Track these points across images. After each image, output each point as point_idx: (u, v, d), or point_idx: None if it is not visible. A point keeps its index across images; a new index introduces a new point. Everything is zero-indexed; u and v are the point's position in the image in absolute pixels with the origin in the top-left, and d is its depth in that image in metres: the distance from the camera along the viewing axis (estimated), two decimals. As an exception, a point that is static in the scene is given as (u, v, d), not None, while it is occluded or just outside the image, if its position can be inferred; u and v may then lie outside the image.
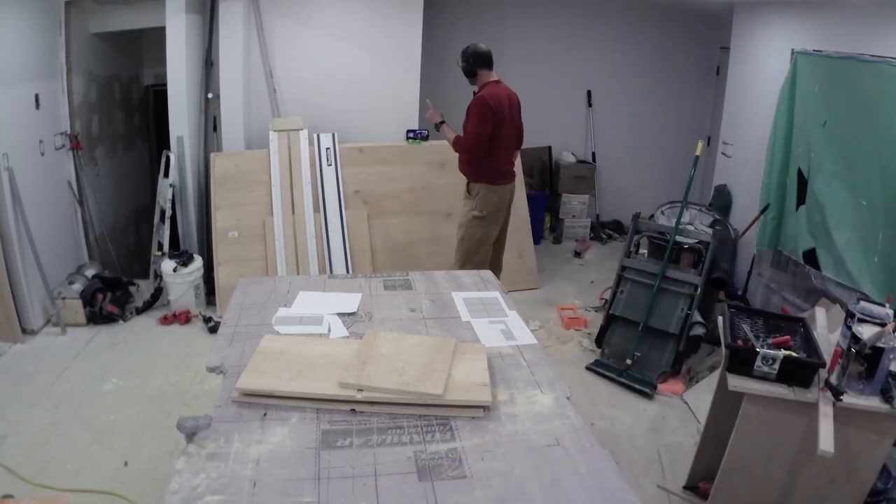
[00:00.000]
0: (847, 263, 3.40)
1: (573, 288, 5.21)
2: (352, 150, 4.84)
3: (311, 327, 2.31)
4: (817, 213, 3.71)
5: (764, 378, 2.21)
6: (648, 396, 3.62)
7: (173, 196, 4.62)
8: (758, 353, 2.20)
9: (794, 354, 2.21)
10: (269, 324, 2.35)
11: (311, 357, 2.01)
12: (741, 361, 2.24)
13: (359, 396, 1.82)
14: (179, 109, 4.54)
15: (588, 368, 3.89)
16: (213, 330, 4.17)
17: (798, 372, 2.19)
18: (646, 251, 4.06)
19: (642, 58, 6.25)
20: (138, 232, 5.78)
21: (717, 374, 2.80)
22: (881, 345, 2.02)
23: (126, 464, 2.91)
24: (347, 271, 4.56)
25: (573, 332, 4.41)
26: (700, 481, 2.80)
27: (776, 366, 2.19)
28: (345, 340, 2.20)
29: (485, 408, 1.82)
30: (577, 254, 5.99)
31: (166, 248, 4.57)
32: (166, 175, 4.61)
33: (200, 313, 4.39)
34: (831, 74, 3.64)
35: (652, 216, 4.68)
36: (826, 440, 1.99)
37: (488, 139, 3.76)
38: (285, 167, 4.64)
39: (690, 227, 4.29)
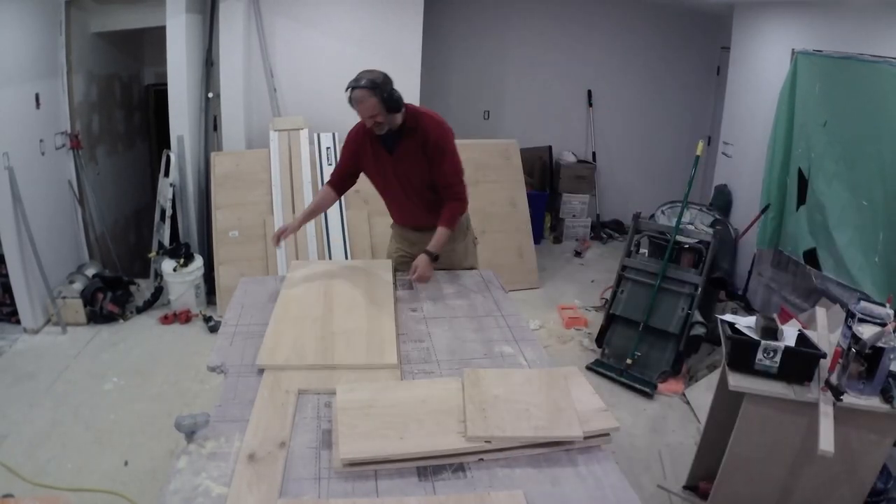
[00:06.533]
0: (847, 263, 3.40)
1: (573, 287, 5.20)
2: (352, 150, 4.83)
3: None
4: (818, 212, 3.72)
5: (765, 373, 2.21)
6: (649, 396, 3.62)
7: (174, 195, 4.62)
8: (759, 343, 2.20)
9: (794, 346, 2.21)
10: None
11: (409, 406, 1.76)
12: (742, 355, 2.24)
13: (487, 447, 1.62)
14: (180, 109, 4.54)
15: (588, 368, 3.89)
16: (214, 329, 4.17)
17: (799, 366, 2.20)
18: (646, 251, 4.06)
19: (643, 57, 6.24)
20: (139, 231, 5.78)
21: (717, 373, 2.80)
22: (881, 345, 2.02)
23: (126, 463, 2.91)
24: (348, 271, 4.56)
25: (573, 331, 4.41)
26: (700, 481, 2.80)
27: (777, 358, 2.19)
28: (433, 382, 1.94)
29: (608, 434, 1.70)
30: (578, 253, 5.99)
31: (167, 247, 4.57)
32: (167, 174, 4.61)
33: (201, 313, 4.39)
34: (832, 74, 3.64)
35: (652, 216, 4.68)
36: (826, 440, 1.99)
37: None
38: (286, 167, 4.64)
39: (691, 227, 4.30)
